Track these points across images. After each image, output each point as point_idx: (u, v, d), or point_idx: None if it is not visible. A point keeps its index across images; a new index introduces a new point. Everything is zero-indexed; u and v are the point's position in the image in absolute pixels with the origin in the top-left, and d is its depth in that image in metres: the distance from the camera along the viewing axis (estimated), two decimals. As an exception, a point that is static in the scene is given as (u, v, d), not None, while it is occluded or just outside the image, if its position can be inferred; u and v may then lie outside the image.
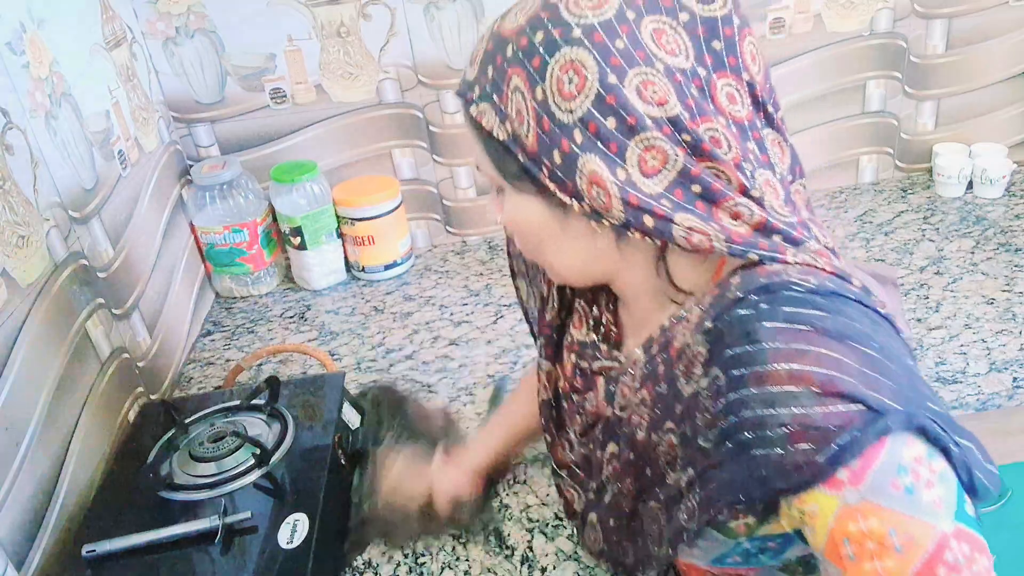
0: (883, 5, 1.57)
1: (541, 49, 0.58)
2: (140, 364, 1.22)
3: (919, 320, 1.29)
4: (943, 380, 1.16)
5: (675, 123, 0.57)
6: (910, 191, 1.70)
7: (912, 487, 0.51)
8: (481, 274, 1.58)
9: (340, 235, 1.58)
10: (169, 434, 1.04)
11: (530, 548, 0.95)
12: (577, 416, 0.79)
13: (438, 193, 1.66)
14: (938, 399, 0.55)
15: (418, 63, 1.53)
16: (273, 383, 1.07)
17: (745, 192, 0.58)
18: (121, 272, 1.21)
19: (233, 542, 0.86)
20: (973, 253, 1.45)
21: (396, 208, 1.56)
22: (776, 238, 0.59)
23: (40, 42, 1.09)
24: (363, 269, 1.59)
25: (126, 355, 1.18)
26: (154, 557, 0.86)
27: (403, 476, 0.96)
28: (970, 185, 1.66)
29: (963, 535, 0.52)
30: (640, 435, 0.66)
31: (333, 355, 1.37)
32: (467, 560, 0.94)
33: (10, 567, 0.83)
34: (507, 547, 0.96)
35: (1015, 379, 1.15)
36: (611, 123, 0.57)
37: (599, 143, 0.57)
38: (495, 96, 0.62)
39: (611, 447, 0.72)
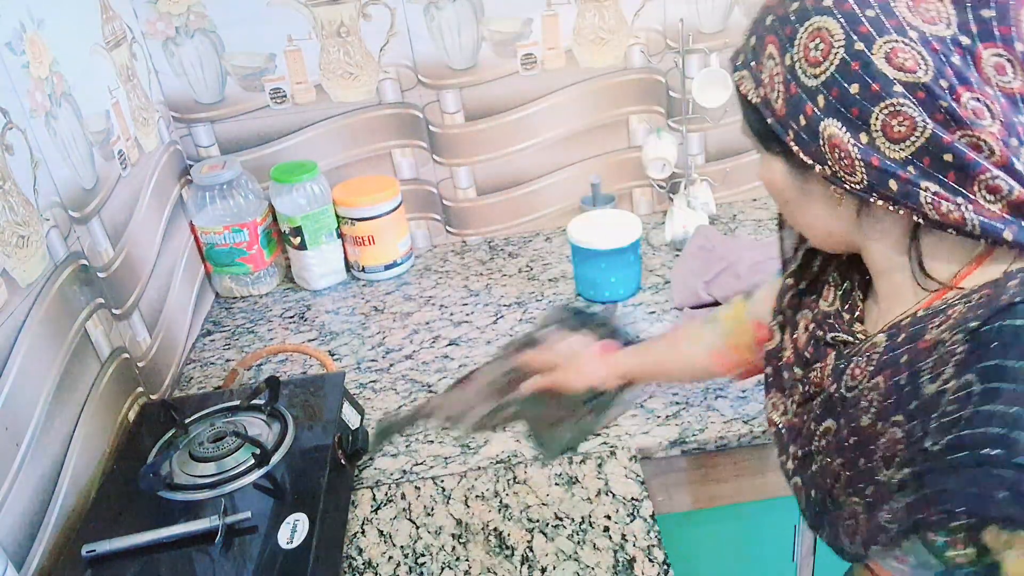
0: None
1: (793, 18, 0.61)
2: (140, 364, 1.22)
3: (919, 320, 1.29)
4: (943, 380, 1.16)
5: (928, 90, 0.55)
6: (910, 191, 1.70)
7: None
8: (481, 274, 1.58)
9: (340, 235, 1.58)
10: (169, 434, 1.04)
11: (530, 548, 0.95)
12: (799, 385, 0.75)
13: (438, 193, 1.66)
14: None
15: (418, 63, 1.53)
16: (273, 383, 1.07)
17: (1007, 166, 0.55)
18: (121, 272, 1.21)
19: (233, 542, 0.86)
20: (973, 253, 1.45)
21: (396, 208, 1.56)
22: None
23: (40, 42, 1.09)
24: (363, 269, 1.59)
25: (126, 355, 1.18)
26: (154, 557, 0.86)
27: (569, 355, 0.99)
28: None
29: None
30: (865, 420, 0.63)
31: (333, 355, 1.37)
32: (467, 560, 0.94)
33: (10, 567, 0.83)
34: (507, 547, 0.96)
35: (1015, 379, 1.14)
36: (854, 88, 0.57)
37: (841, 108, 0.58)
38: (753, 63, 0.65)
39: (827, 423, 0.69)
